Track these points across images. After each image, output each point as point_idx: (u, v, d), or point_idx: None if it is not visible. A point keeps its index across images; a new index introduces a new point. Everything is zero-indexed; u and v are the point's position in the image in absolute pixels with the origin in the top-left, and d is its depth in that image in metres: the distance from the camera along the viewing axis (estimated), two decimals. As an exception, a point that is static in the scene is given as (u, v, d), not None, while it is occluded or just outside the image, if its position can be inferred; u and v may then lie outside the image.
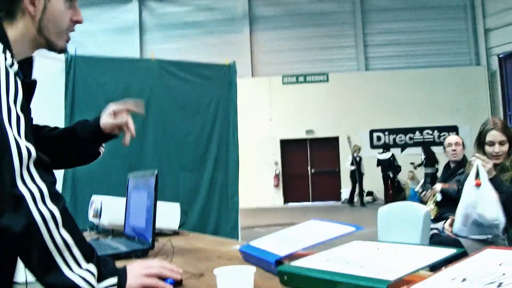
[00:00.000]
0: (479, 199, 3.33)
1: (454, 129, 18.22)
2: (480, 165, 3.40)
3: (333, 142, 19.39)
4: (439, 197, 5.07)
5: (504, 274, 1.08)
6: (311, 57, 19.76)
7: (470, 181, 3.48)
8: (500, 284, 1.02)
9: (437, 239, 4.14)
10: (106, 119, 1.92)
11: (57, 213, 1.24)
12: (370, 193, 17.85)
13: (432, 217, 4.67)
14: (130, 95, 6.71)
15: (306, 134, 19.29)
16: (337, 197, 18.93)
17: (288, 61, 19.82)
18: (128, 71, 6.76)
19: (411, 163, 16.95)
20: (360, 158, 16.95)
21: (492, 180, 3.37)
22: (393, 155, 17.00)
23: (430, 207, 5.13)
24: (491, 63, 19.71)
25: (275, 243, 1.82)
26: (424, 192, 5.34)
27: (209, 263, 1.91)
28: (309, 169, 19.62)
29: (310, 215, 12.65)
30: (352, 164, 17.09)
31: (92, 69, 6.54)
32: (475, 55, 19.88)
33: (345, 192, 18.54)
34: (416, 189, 7.61)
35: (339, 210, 16.09)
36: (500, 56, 19.63)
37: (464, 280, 1.09)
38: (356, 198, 17.27)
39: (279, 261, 1.60)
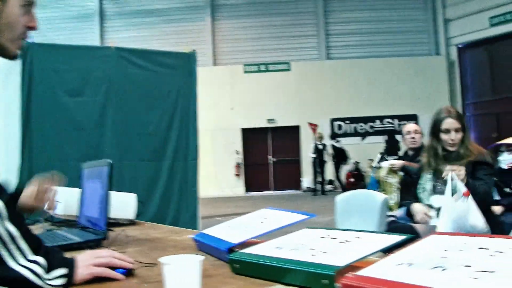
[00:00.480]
0: (469, 210, 3.32)
1: (414, 118, 18.46)
2: (455, 177, 3.40)
3: (294, 131, 19.48)
4: (400, 173, 5.17)
5: (447, 258, 1.11)
6: (273, 46, 19.74)
7: (449, 196, 3.42)
8: (444, 269, 1.05)
9: (393, 226, 4.19)
10: (26, 199, 1.88)
11: (1, 206, 1.23)
12: (331, 182, 17.97)
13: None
14: (89, 84, 6.66)
15: (268, 123, 19.32)
16: (299, 185, 19.04)
17: (250, 50, 19.78)
18: (87, 59, 6.67)
19: (370, 160, 17.09)
20: (324, 146, 17.03)
21: (466, 185, 3.40)
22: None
23: (392, 197, 5.23)
24: (451, 53, 20.00)
25: (228, 231, 1.82)
26: (382, 163, 5.45)
27: (162, 253, 1.90)
28: (270, 158, 19.68)
29: (271, 204, 12.63)
30: (314, 152, 17.20)
31: (50, 56, 6.44)
32: (435, 45, 20.15)
33: (306, 181, 18.65)
34: (373, 164, 7.68)
35: (300, 198, 16.17)
36: (459, 46, 19.92)
37: (410, 264, 1.12)
38: (317, 186, 17.38)
39: (232, 249, 1.60)
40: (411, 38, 20.14)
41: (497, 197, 4.87)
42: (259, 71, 19.53)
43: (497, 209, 4.71)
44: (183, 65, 7.27)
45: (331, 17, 20.10)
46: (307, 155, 18.08)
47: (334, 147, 17.45)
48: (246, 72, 19.53)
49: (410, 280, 1.03)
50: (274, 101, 19.07)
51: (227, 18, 20.09)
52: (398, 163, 5.41)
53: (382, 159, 6.29)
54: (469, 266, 1.04)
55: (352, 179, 17.96)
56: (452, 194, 3.30)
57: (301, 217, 1.79)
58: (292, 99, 19.15)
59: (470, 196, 3.29)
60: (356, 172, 18.15)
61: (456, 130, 3.62)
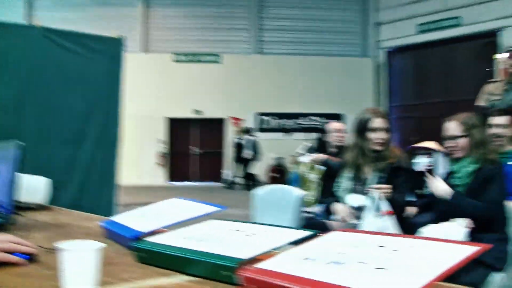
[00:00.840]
0: (389, 229, 3.34)
1: (339, 117, 18.80)
2: (379, 197, 3.44)
3: (220, 123, 19.45)
4: (321, 168, 5.25)
5: (345, 254, 1.15)
6: (205, 37, 19.56)
7: (371, 213, 3.44)
8: (339, 264, 1.10)
9: (309, 223, 4.27)
10: None
11: None
12: (252, 176, 17.89)
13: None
14: (8, 63, 6.41)
15: (195, 113, 19.21)
16: (221, 178, 19.06)
17: (182, 39, 19.56)
18: (8, 36, 6.42)
19: (292, 156, 17.24)
20: (253, 142, 16.99)
21: (391, 201, 3.46)
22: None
23: (312, 193, 5.31)
24: (379, 55, 20.47)
25: (137, 220, 1.80)
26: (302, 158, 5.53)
27: (69, 239, 1.86)
28: (195, 149, 19.59)
29: (191, 195, 12.60)
30: (234, 146, 17.19)
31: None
32: (365, 47, 20.54)
33: (227, 174, 18.68)
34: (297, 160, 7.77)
35: (221, 191, 16.18)
36: (388, 50, 20.41)
37: (307, 258, 1.16)
38: (238, 180, 17.47)
39: (140, 238, 1.59)
40: (342, 39, 20.44)
41: (411, 198, 5.02)
42: (189, 61, 19.33)
43: (411, 210, 4.86)
44: (110, 50, 7.12)
45: (265, 12, 20.12)
46: (229, 149, 18.20)
47: (246, 141, 17.30)
48: (175, 61, 19.31)
49: (304, 274, 1.07)
50: (203, 93, 18.94)
51: (160, 5, 19.77)
52: (321, 156, 5.49)
53: (305, 154, 6.35)
54: (364, 263, 1.08)
55: (275, 174, 18.05)
56: (376, 210, 3.39)
57: (212, 209, 1.81)
58: (220, 92, 19.06)
59: (391, 216, 3.41)
60: (279, 167, 18.27)
61: (384, 130, 3.64)
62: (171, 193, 14.97)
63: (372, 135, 3.64)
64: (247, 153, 17.03)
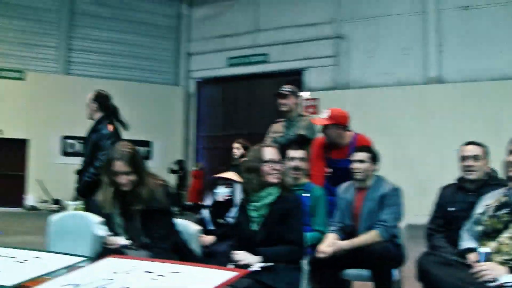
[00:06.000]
0: None
1: (147, 144, 18.66)
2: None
3: (22, 144, 18.32)
4: None
5: (113, 280, 1.18)
6: (7, 51, 18.38)
7: None
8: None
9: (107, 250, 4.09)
10: None
11: None
12: (57, 201, 17.12)
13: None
14: None
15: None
16: (20, 203, 17.90)
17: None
18: None
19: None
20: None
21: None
22: None
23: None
24: (189, 85, 20.81)
25: None
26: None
27: None
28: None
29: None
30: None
31: None
32: (176, 76, 20.79)
33: (30, 198, 17.67)
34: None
35: (19, 217, 15.17)
36: (198, 80, 20.85)
37: (76, 285, 1.15)
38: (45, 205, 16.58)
39: None
40: (153, 66, 20.52)
41: (211, 227, 5.06)
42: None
43: (209, 238, 4.89)
44: None
45: (76, 32, 19.48)
46: (34, 171, 17.32)
47: None
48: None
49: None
50: (2, 111, 17.73)
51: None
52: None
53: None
54: None
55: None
56: None
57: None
58: (22, 111, 17.97)
59: None
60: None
61: (126, 173, 3.45)
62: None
63: (118, 178, 3.48)
64: None
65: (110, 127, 5.51)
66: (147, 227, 3.53)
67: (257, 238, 3.44)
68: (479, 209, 3.48)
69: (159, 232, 3.48)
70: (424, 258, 3.40)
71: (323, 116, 5.06)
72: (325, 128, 5.03)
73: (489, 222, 3.28)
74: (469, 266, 3.18)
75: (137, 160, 3.53)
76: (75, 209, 5.53)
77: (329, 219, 4.50)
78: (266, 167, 3.49)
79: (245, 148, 7.76)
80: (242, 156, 7.72)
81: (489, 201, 3.43)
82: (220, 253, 4.54)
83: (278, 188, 3.51)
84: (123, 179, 3.45)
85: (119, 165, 3.44)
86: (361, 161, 4.24)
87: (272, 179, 3.48)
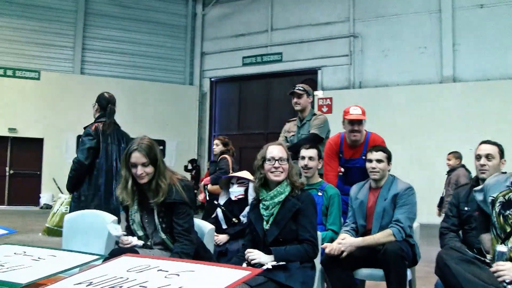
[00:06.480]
0: None
1: (161, 143, 18.72)
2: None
3: (37, 143, 18.44)
4: None
5: (128, 278, 1.17)
6: (24, 51, 18.52)
7: None
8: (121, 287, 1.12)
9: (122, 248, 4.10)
10: None
11: None
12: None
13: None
14: None
15: (8, 132, 18.03)
16: (36, 202, 18.03)
17: (-1, 52, 18.35)
18: None
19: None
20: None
21: None
22: None
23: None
24: (203, 84, 20.81)
25: None
26: None
27: None
28: (7, 169, 18.35)
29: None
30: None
31: None
32: (190, 75, 20.80)
33: (45, 197, 17.78)
34: None
35: (34, 215, 15.25)
36: (212, 79, 20.86)
37: (89, 284, 1.15)
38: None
39: None
40: (168, 65, 20.55)
41: (224, 226, 5.06)
42: (5, 75, 18.15)
43: (222, 237, 4.90)
44: None
45: (90, 32, 19.58)
46: (49, 170, 17.40)
47: None
48: (-11, 75, 18.06)
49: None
50: (18, 110, 17.89)
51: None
52: None
53: None
54: (144, 287, 1.12)
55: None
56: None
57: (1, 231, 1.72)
58: (38, 110, 18.12)
59: None
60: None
61: (143, 164, 3.46)
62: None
63: (133, 170, 3.49)
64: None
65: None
66: (165, 221, 3.53)
67: (269, 236, 3.44)
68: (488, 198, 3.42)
69: (182, 226, 3.46)
70: (445, 253, 3.36)
71: (357, 112, 4.92)
72: (359, 124, 4.91)
73: (497, 220, 3.24)
74: (489, 265, 3.14)
75: (155, 152, 3.53)
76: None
77: (342, 218, 4.49)
78: (267, 165, 3.51)
79: (224, 144, 7.79)
80: (222, 152, 7.75)
81: (495, 192, 3.35)
82: (233, 251, 4.55)
83: (289, 187, 3.51)
84: (141, 171, 3.45)
85: (137, 157, 3.46)
86: (379, 161, 4.20)
87: (273, 177, 3.48)
